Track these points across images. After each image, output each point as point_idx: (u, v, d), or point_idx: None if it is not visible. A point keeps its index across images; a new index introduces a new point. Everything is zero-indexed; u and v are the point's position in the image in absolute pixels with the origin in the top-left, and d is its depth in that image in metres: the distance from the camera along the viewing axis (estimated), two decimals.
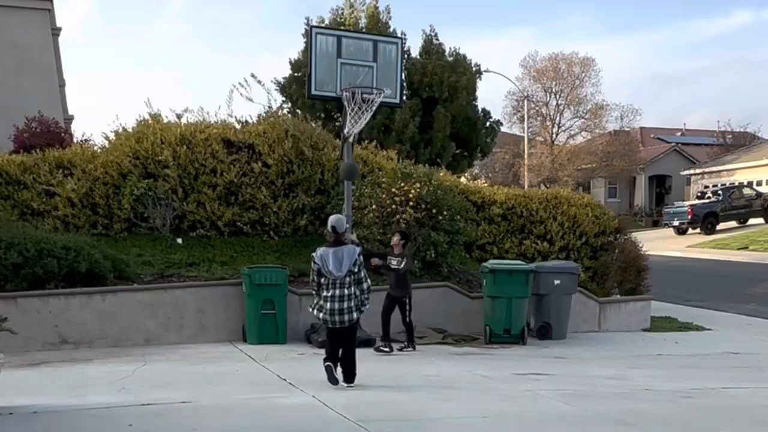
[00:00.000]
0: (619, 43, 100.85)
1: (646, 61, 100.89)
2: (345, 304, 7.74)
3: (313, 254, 7.89)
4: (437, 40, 25.51)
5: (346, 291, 7.73)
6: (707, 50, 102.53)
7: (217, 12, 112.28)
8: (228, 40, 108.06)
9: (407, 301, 10.47)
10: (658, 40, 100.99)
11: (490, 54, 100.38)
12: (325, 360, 7.90)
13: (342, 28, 21.95)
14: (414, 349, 10.53)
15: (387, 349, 10.30)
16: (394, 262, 10.41)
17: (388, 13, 24.78)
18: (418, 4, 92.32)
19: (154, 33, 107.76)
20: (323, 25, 23.40)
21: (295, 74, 24.69)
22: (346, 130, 10.51)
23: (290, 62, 25.23)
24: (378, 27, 23.45)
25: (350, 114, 10.40)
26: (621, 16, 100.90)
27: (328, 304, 7.73)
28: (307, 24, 24.58)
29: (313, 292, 7.96)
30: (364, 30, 22.78)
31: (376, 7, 24.80)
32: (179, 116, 13.73)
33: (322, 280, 7.75)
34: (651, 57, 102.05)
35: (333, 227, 7.94)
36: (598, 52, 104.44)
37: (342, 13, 25.00)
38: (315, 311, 7.90)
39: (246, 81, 14.87)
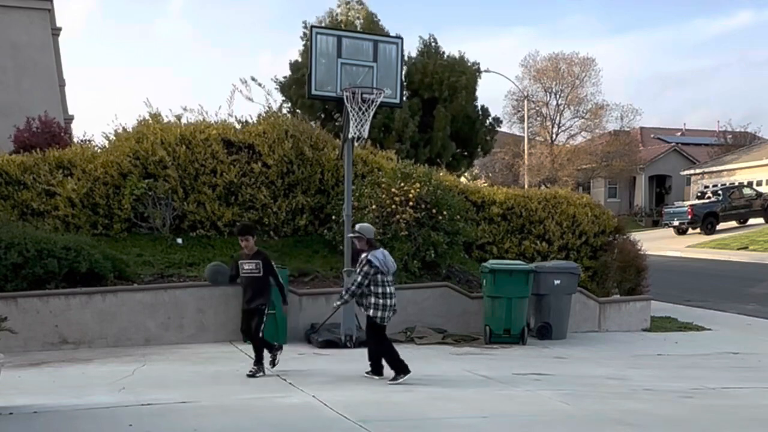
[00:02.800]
0: (620, 43, 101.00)
1: (646, 61, 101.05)
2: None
3: (370, 258, 8.13)
4: (435, 43, 25.57)
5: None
6: (707, 50, 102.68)
7: (217, 12, 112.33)
8: (228, 40, 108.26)
9: (265, 309, 8.44)
10: (658, 40, 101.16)
11: (490, 54, 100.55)
12: (395, 361, 8.16)
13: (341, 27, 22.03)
14: (264, 373, 8.38)
15: (261, 373, 8.40)
16: (247, 267, 8.37)
17: (379, 22, 24.84)
18: (419, 4, 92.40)
19: (154, 32, 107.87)
20: (322, 25, 23.43)
21: (295, 76, 24.75)
22: (351, 134, 10.48)
23: (290, 64, 25.40)
24: (372, 28, 23.46)
25: (352, 115, 10.36)
26: (622, 16, 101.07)
27: (390, 301, 8.20)
28: (306, 27, 24.66)
29: (358, 293, 8.18)
30: (360, 30, 22.81)
31: (370, 13, 24.87)
32: (179, 116, 13.75)
33: (379, 277, 8.14)
34: (651, 57, 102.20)
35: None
36: (598, 52, 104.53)
37: (336, 14, 25.03)
38: (377, 311, 8.13)
39: (245, 81, 14.94)
